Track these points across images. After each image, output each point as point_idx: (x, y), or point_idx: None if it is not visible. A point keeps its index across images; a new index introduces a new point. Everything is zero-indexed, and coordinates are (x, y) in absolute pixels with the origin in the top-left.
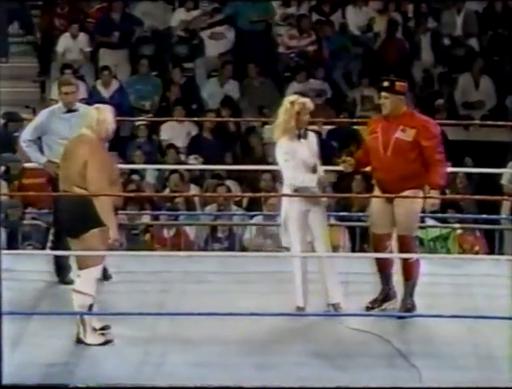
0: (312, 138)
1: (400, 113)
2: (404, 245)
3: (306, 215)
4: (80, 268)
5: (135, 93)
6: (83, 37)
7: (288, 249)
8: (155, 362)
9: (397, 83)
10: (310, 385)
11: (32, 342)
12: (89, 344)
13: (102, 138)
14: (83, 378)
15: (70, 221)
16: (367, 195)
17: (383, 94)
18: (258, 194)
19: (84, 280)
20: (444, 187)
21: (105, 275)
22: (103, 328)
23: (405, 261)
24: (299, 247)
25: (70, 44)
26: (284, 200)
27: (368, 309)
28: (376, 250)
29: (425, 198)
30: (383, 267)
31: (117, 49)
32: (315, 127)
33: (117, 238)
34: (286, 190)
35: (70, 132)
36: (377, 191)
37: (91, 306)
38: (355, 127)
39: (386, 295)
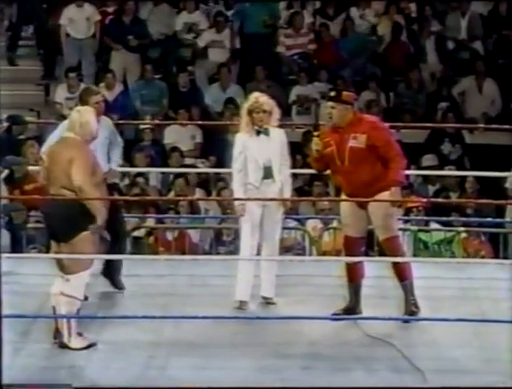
0: (276, 135)
1: (348, 121)
2: (390, 248)
3: (261, 212)
4: (70, 273)
5: (141, 98)
6: (89, 8)
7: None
8: (160, 365)
9: (344, 93)
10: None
11: (36, 345)
12: (73, 349)
13: (87, 140)
14: (88, 380)
15: (59, 225)
16: (337, 199)
17: (330, 104)
18: (251, 199)
19: (75, 285)
20: (403, 183)
21: (119, 286)
22: None
23: (395, 263)
24: (248, 247)
25: (76, 15)
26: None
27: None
28: (348, 254)
29: (404, 201)
30: (353, 277)
31: (130, 53)
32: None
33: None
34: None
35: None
36: (344, 195)
37: (78, 311)
38: None
39: (352, 307)
